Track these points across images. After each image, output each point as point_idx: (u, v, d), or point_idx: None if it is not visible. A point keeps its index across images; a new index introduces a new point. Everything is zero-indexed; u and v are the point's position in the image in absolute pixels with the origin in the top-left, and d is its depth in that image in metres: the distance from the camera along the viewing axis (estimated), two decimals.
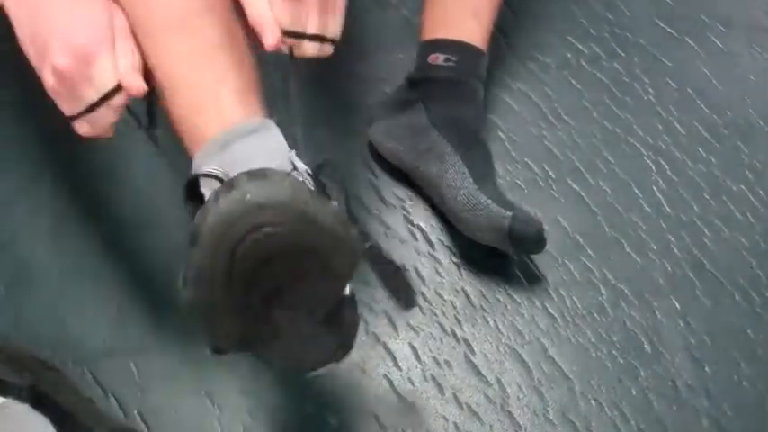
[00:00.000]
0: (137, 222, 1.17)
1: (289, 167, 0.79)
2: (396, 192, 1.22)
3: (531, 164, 1.26)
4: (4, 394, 0.89)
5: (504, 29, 1.36)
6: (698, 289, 1.16)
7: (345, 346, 0.83)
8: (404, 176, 1.21)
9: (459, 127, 1.15)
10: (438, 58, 1.17)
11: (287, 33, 0.83)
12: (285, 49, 0.85)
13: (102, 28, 0.82)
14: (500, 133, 1.28)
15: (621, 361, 1.10)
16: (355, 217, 0.84)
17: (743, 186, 1.25)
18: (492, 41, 1.21)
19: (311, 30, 0.85)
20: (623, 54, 1.38)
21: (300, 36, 0.84)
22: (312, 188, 0.79)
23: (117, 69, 0.81)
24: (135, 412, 1.04)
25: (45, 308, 1.11)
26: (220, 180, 0.76)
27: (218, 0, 0.85)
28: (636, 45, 1.39)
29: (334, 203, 0.78)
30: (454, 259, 1.17)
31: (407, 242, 1.18)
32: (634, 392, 1.08)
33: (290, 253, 0.73)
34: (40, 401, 0.90)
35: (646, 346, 1.11)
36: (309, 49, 0.86)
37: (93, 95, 0.82)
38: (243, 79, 0.83)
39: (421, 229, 1.19)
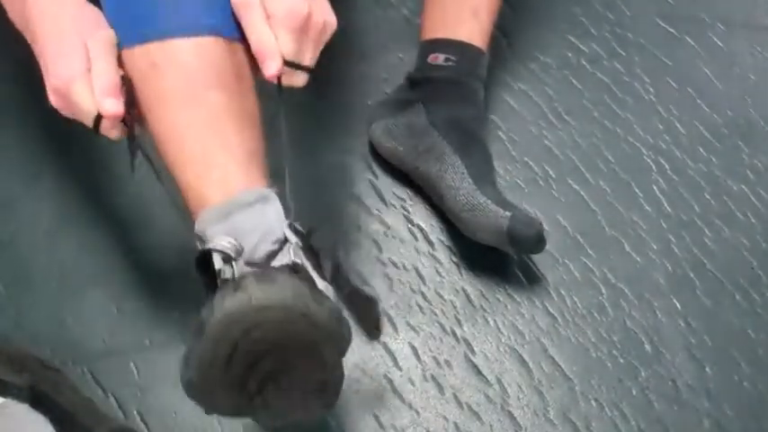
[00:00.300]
0: (136, 222, 1.17)
1: (282, 238, 0.84)
2: (396, 191, 1.22)
3: (531, 163, 1.26)
4: (4, 394, 0.89)
5: (505, 28, 1.36)
6: (698, 289, 1.16)
7: (330, 404, 0.86)
8: (404, 176, 1.21)
9: (459, 127, 1.15)
10: (438, 58, 1.17)
11: (287, 63, 0.86)
12: (274, 78, 0.87)
13: (74, 60, 0.85)
14: (500, 133, 1.28)
15: (622, 361, 1.10)
16: (345, 275, 0.88)
17: (743, 186, 1.25)
18: (492, 41, 1.21)
19: (306, 61, 0.87)
20: (624, 53, 1.38)
21: (297, 66, 0.87)
22: (310, 275, 0.82)
23: (94, 96, 0.84)
24: (135, 412, 1.04)
25: (45, 308, 1.11)
26: (230, 257, 0.81)
27: (226, 70, 0.87)
28: (636, 44, 1.39)
29: (331, 299, 0.82)
30: (454, 259, 1.16)
31: (407, 242, 1.18)
32: (634, 392, 1.08)
33: (288, 348, 0.78)
34: (39, 401, 0.90)
35: (646, 345, 1.11)
36: (300, 79, 0.88)
37: (88, 123, 0.85)
38: (246, 147, 0.86)
39: (421, 229, 1.19)
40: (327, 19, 0.88)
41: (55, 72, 0.85)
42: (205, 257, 0.83)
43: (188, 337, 0.78)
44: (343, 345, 0.82)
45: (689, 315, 1.14)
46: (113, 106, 0.83)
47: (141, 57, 0.86)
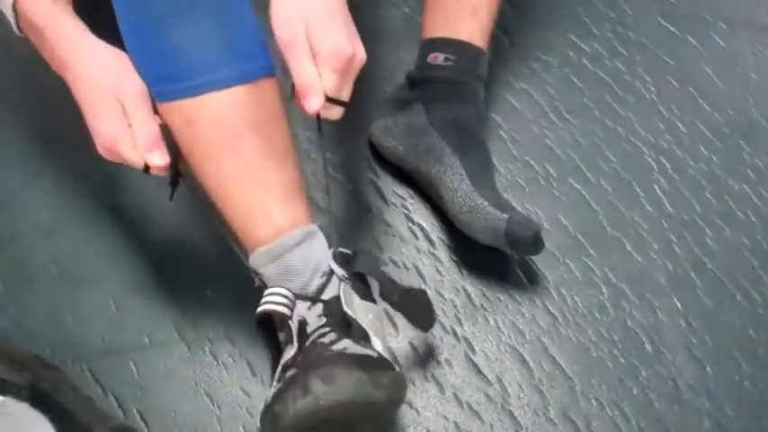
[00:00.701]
0: (136, 221, 1.17)
1: (329, 270, 0.95)
2: (396, 190, 1.22)
3: (532, 162, 1.25)
4: (4, 393, 0.89)
5: (507, 27, 1.35)
6: (699, 288, 1.16)
7: None
8: (405, 175, 1.21)
9: (459, 128, 1.15)
10: (437, 58, 1.16)
11: (329, 100, 0.89)
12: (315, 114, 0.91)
13: (113, 119, 0.91)
14: (501, 132, 1.28)
15: (622, 360, 1.10)
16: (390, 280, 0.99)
17: (744, 185, 1.25)
18: (494, 40, 1.21)
19: (344, 97, 0.91)
20: (625, 52, 1.38)
21: (336, 102, 0.90)
22: (365, 331, 0.94)
23: (138, 150, 0.92)
24: (134, 411, 1.04)
25: (44, 306, 1.11)
26: (286, 315, 0.93)
27: (257, 115, 0.93)
28: (638, 44, 1.39)
29: (389, 367, 0.91)
30: (455, 258, 1.16)
31: (408, 241, 1.17)
32: (635, 392, 1.08)
33: (354, 428, 0.90)
34: (39, 400, 0.90)
35: (647, 345, 1.11)
36: (337, 112, 0.92)
37: (138, 168, 0.93)
38: (285, 183, 0.95)
39: (422, 228, 1.19)
40: (364, 56, 0.92)
41: (100, 132, 0.92)
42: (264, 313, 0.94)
43: (262, 424, 0.89)
44: (401, 404, 0.94)
45: (690, 315, 1.13)
46: (159, 159, 0.91)
47: (176, 112, 0.92)
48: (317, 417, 0.84)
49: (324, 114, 0.92)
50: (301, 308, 0.95)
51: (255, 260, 0.95)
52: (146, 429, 1.03)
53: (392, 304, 0.99)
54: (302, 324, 0.94)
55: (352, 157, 1.24)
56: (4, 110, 1.26)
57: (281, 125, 0.96)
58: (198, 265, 1.14)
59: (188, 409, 1.05)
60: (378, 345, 0.95)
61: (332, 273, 0.96)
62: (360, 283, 0.98)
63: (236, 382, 1.06)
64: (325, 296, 0.96)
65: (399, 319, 1.11)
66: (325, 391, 0.84)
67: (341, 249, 0.97)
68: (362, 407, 0.87)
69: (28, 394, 0.90)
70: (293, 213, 0.95)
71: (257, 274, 0.96)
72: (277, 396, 0.86)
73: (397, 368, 0.93)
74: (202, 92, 0.91)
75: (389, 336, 1.10)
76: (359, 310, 0.96)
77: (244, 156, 0.93)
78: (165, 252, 1.15)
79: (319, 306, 0.95)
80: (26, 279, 1.13)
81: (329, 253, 0.97)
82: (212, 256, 1.14)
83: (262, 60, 0.94)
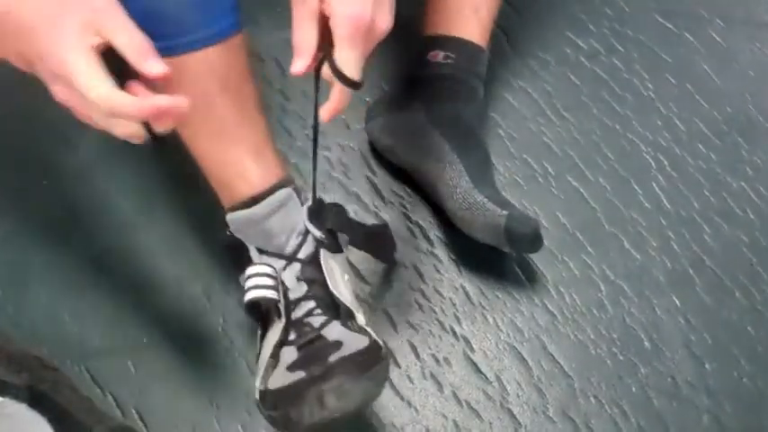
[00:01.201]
0: (134, 222, 1.17)
1: (304, 230, 0.99)
2: (395, 189, 1.22)
3: (530, 160, 1.25)
4: (2, 394, 0.89)
5: (505, 25, 1.35)
6: (698, 286, 1.16)
7: None
8: (403, 173, 1.21)
9: (458, 125, 1.15)
10: (438, 56, 1.16)
11: (340, 77, 0.84)
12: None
13: (68, 34, 0.73)
14: (500, 130, 1.28)
15: (621, 358, 1.10)
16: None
17: (743, 183, 1.25)
18: (492, 38, 1.20)
19: (355, 73, 0.84)
20: (622, 50, 1.38)
21: (347, 81, 0.84)
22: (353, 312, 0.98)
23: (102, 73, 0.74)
24: (133, 411, 1.04)
25: (43, 307, 1.11)
26: (275, 300, 0.96)
27: (229, 74, 0.94)
28: (635, 41, 1.39)
29: (383, 366, 0.93)
30: (453, 256, 1.16)
31: (406, 239, 1.17)
32: (634, 389, 1.08)
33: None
34: (38, 401, 0.90)
35: (645, 342, 1.11)
36: (346, 94, 0.88)
37: (101, 115, 0.75)
38: (254, 139, 0.98)
39: (420, 227, 1.19)
40: (388, 27, 0.85)
41: (49, 55, 0.73)
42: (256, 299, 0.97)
43: (262, 406, 0.93)
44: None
45: (688, 312, 1.13)
46: (159, 67, 0.75)
47: None
48: (329, 423, 0.90)
49: (327, 76, 0.87)
50: (278, 266, 0.98)
51: (235, 223, 0.98)
52: (144, 429, 1.03)
53: (359, 248, 1.05)
54: (284, 291, 0.97)
55: (351, 155, 1.24)
56: (3, 110, 1.26)
57: (250, 82, 0.98)
58: (196, 265, 1.14)
59: (187, 408, 1.05)
60: (360, 318, 0.99)
61: (307, 232, 0.99)
62: (332, 237, 1.01)
63: (235, 382, 1.06)
64: (301, 255, 0.99)
65: (397, 317, 1.11)
66: (339, 405, 0.89)
67: (310, 204, 0.99)
68: (366, 405, 0.96)
69: (27, 395, 0.89)
70: (264, 169, 0.98)
71: (236, 232, 0.99)
72: (289, 399, 0.91)
73: (378, 341, 0.94)
74: (180, 52, 0.91)
75: (388, 335, 1.10)
76: (339, 280, 1.00)
77: (217, 113, 0.95)
78: (163, 252, 1.15)
79: (296, 266, 0.98)
80: (25, 280, 1.12)
81: (304, 211, 0.99)
82: (211, 256, 1.14)
83: (231, 17, 0.94)
